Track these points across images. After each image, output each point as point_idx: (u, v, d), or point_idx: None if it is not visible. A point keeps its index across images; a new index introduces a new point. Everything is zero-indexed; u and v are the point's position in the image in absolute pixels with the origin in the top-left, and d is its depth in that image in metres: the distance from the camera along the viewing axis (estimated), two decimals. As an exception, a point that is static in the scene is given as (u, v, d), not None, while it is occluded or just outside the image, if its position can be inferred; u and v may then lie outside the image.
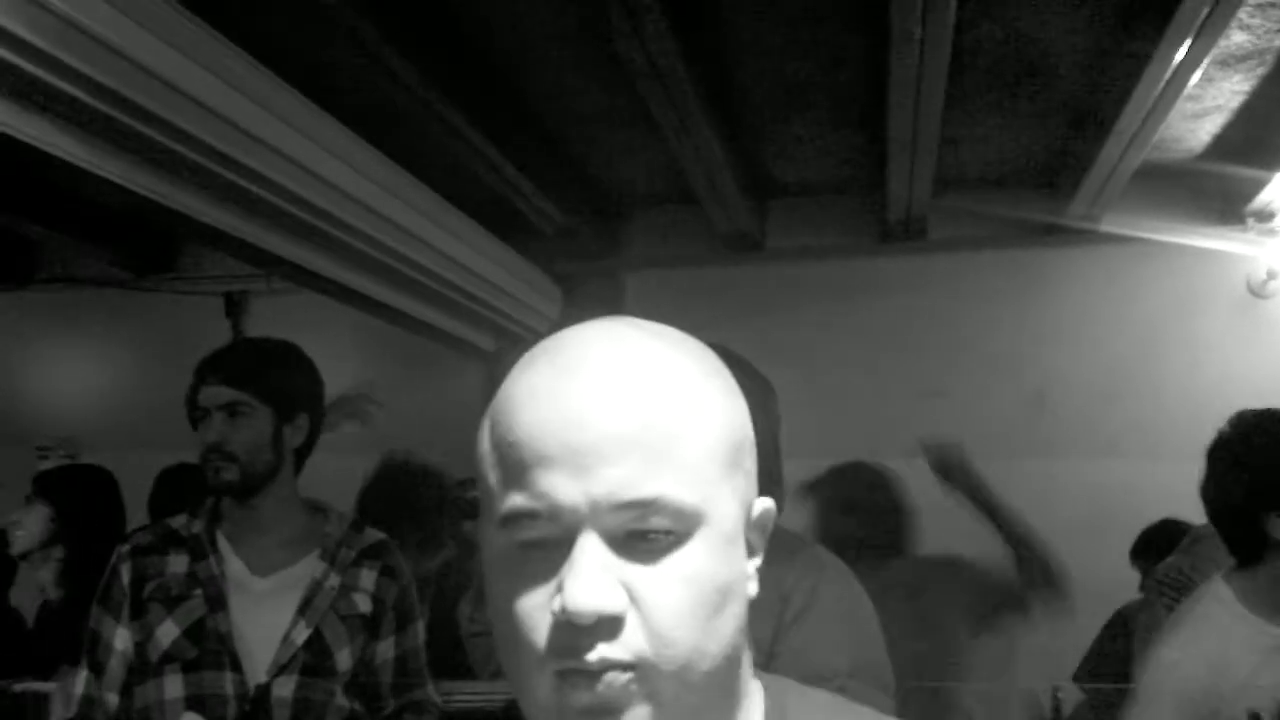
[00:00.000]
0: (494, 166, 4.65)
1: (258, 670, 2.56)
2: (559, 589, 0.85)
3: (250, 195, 3.83)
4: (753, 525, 0.95)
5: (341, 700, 2.62)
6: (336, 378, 3.37)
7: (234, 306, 5.87)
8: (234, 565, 2.65)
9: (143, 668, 2.57)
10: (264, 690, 2.54)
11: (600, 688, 0.84)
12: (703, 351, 0.96)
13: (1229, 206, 5.32)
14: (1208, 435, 4.75)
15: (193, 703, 2.52)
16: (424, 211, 4.70)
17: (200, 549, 2.64)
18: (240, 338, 4.24)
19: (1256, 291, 5.50)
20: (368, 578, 2.70)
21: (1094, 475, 5.20)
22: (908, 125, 4.15)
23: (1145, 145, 4.36)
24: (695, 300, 5.50)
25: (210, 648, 2.55)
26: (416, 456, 4.15)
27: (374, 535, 2.79)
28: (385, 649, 2.70)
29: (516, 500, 0.87)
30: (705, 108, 4.13)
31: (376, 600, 2.69)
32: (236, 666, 2.54)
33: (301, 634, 2.59)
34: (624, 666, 0.84)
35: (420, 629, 2.79)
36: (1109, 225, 5.23)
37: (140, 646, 2.57)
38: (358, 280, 4.80)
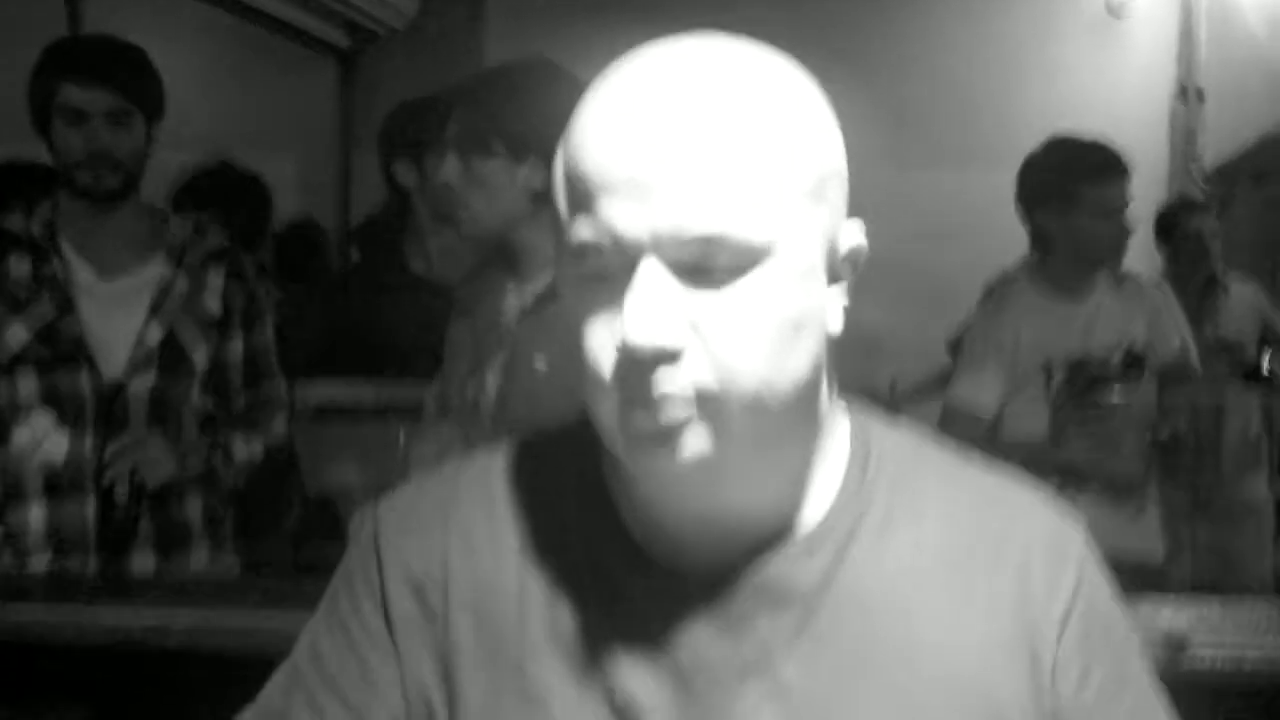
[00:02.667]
0: None
1: (113, 370, 2.55)
2: (622, 321, 0.82)
3: None
4: (841, 258, 0.90)
5: (197, 397, 2.65)
6: (180, 75, 3.22)
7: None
8: (80, 268, 2.59)
9: None
10: (120, 387, 2.54)
11: (662, 416, 0.83)
12: (793, 76, 0.89)
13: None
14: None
15: (47, 399, 2.51)
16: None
17: (43, 251, 2.57)
18: (91, 35, 3.96)
19: (1114, 12, 5.55)
20: (215, 280, 2.68)
21: (950, 186, 5.30)
22: None
23: None
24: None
25: (63, 350, 2.52)
26: (238, 160, 3.98)
27: (218, 239, 2.75)
28: (235, 348, 2.71)
29: (582, 231, 0.84)
30: None
31: (225, 302, 2.69)
32: (91, 365, 2.53)
33: (155, 335, 2.58)
34: (685, 396, 0.83)
35: (268, 327, 2.79)
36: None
37: None
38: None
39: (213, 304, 2.66)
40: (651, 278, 0.82)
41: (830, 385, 0.95)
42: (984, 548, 0.95)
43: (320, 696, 0.96)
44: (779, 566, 0.92)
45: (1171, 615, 1.85)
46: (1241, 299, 4.32)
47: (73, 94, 2.50)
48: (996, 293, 3.27)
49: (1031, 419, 3.05)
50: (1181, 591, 2.94)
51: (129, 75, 2.56)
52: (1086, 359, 3.05)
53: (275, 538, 3.16)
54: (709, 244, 0.81)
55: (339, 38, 5.71)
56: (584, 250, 0.84)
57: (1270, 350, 4.04)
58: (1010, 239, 4.61)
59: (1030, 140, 5.32)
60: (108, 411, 2.53)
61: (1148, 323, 3.16)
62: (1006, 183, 4.64)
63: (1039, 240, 3.21)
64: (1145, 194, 4.80)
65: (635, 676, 0.91)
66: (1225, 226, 4.74)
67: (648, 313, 0.81)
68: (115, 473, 2.47)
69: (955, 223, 5.08)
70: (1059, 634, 0.93)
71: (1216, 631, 1.80)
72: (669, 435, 0.83)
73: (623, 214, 0.82)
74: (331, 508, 2.86)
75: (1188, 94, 5.46)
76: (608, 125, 0.84)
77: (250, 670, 1.02)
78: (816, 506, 0.94)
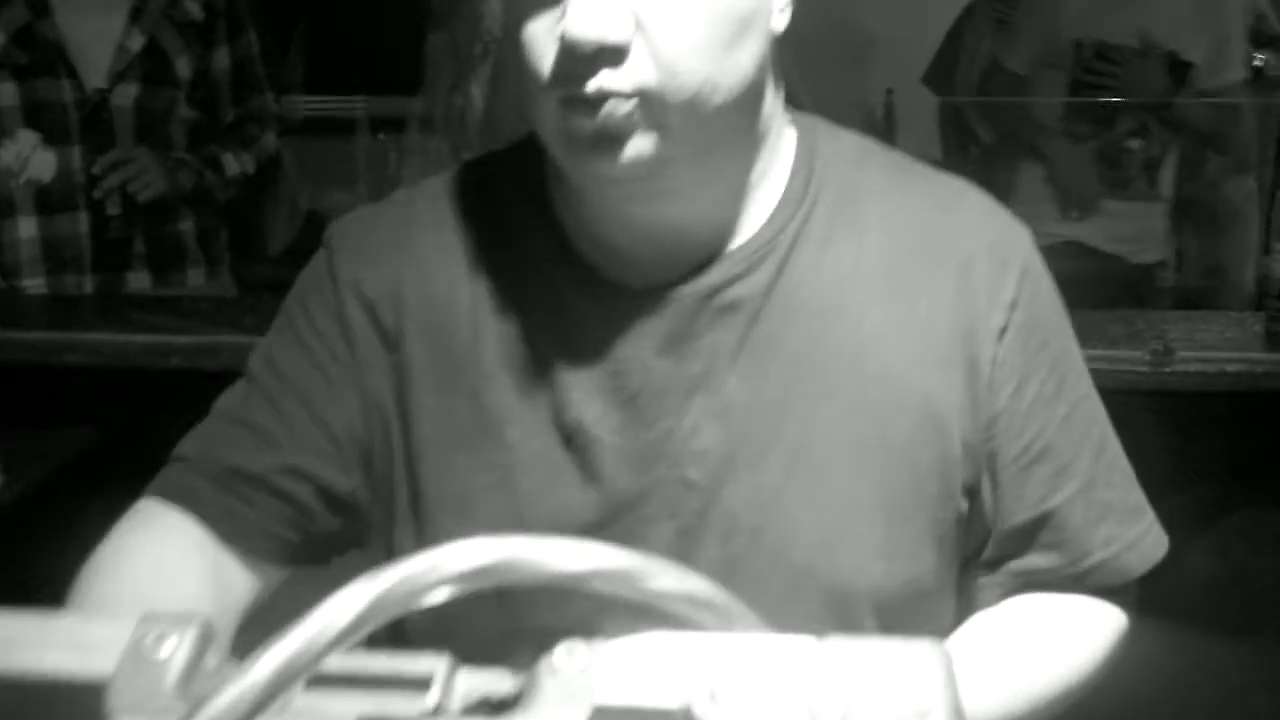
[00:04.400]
0: None
1: (95, 78, 2.49)
2: (564, 14, 0.80)
3: None
4: None
5: (184, 110, 2.60)
6: None
7: None
8: None
9: None
10: (103, 96, 2.49)
11: (602, 116, 0.82)
12: None
13: None
14: None
15: (30, 110, 2.46)
16: None
17: None
18: None
19: None
20: None
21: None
22: None
23: None
24: None
25: (41, 56, 2.45)
26: None
27: None
28: (220, 57, 2.65)
29: None
30: None
31: (209, 7, 2.61)
32: (72, 74, 2.47)
33: (136, 41, 2.51)
34: (626, 95, 0.81)
35: (253, 38, 2.72)
36: None
37: None
38: None
39: (194, 10, 2.58)
40: None
41: (776, 93, 0.94)
42: (927, 255, 0.95)
43: (282, 401, 0.98)
44: (722, 279, 0.93)
45: (1159, 327, 1.89)
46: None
47: None
48: None
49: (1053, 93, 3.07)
50: (1166, 296, 2.98)
51: None
52: (1119, 46, 2.99)
53: (270, 255, 3.16)
54: None
55: None
56: None
57: (1261, 52, 3.96)
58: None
59: None
60: (93, 123, 2.48)
61: (1206, 34, 3.05)
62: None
63: None
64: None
65: (585, 398, 0.93)
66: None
67: (593, 4, 0.79)
68: (106, 187, 2.45)
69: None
70: (997, 344, 0.95)
71: (1201, 343, 1.85)
72: (610, 138, 0.83)
73: None
74: (325, 222, 2.85)
75: None
76: None
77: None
78: (759, 217, 0.95)
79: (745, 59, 0.85)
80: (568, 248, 0.96)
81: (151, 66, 2.52)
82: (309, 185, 3.04)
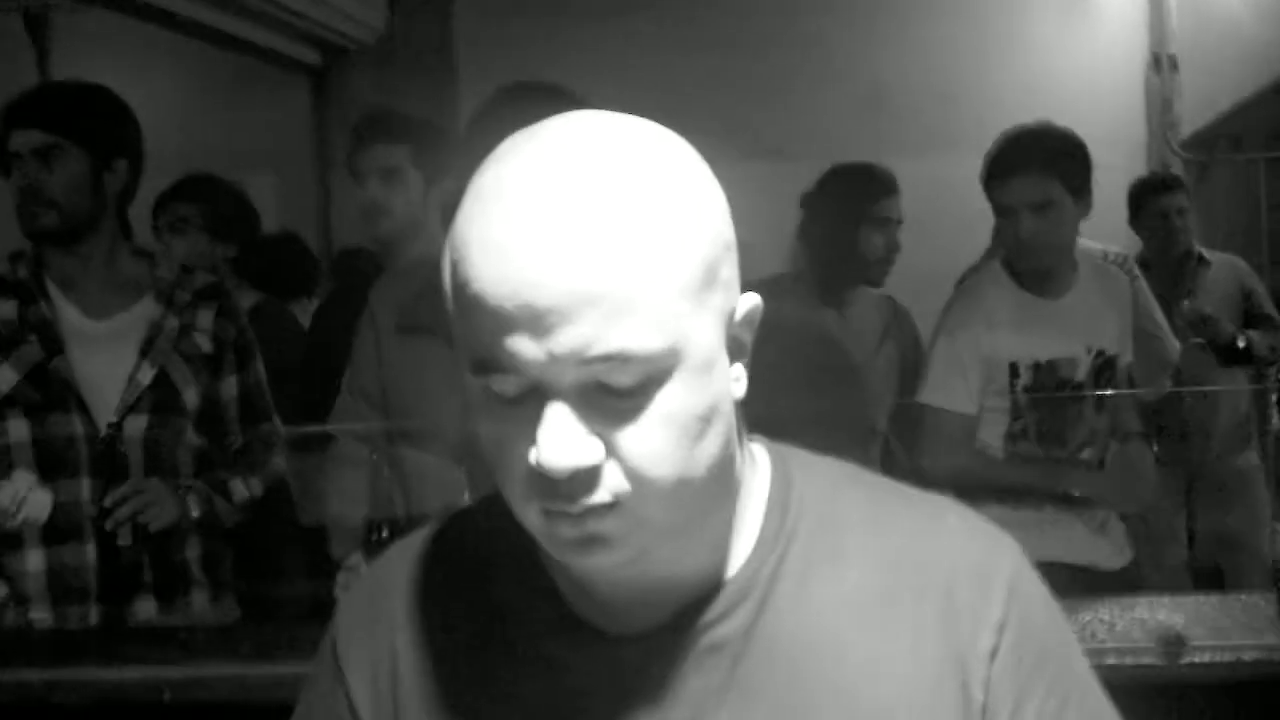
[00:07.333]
0: None
1: (105, 413, 2.55)
2: (534, 440, 0.82)
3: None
4: (738, 325, 0.90)
5: (192, 438, 2.65)
6: (152, 104, 3.21)
7: (35, 24, 5.47)
8: (67, 310, 2.60)
9: None
10: (115, 430, 2.54)
11: (587, 525, 0.85)
12: (671, 158, 0.87)
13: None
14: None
15: (41, 446, 2.51)
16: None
17: (29, 293, 2.58)
18: (49, 80, 3.95)
19: (1083, -17, 5.54)
20: (205, 318, 2.69)
21: (929, 172, 5.29)
22: None
23: None
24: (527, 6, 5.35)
25: (54, 392, 2.52)
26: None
27: (206, 277, 2.79)
28: (229, 387, 2.72)
29: (482, 354, 0.83)
30: None
31: (217, 340, 2.70)
32: (83, 409, 2.53)
33: (147, 375, 2.58)
34: (606, 506, 0.84)
35: (260, 366, 2.81)
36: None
37: None
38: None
39: (204, 342, 2.67)
40: (559, 401, 0.82)
41: (741, 441, 0.95)
42: (908, 583, 0.95)
43: None
44: (703, 622, 0.93)
45: (1168, 614, 1.85)
46: (1221, 270, 4.32)
47: (11, 138, 2.56)
48: (966, 285, 3.19)
49: (995, 420, 2.89)
50: (1179, 580, 2.92)
51: (61, 112, 2.58)
52: (1055, 360, 2.88)
53: (275, 575, 3.17)
54: (611, 361, 0.81)
55: (310, 55, 5.71)
56: (487, 370, 0.84)
57: (1247, 331, 4.04)
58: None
59: (1006, 120, 5.34)
60: (103, 456, 2.52)
61: (1125, 319, 3.00)
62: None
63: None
64: (1124, 165, 4.82)
65: None
66: (1205, 192, 4.74)
67: (561, 435, 0.82)
68: (118, 518, 2.46)
69: (935, 209, 5.07)
70: (988, 669, 0.93)
71: (1214, 630, 1.81)
72: (593, 540, 0.85)
73: (523, 344, 0.81)
74: (323, 539, 2.87)
75: (1161, 62, 5.47)
76: (495, 256, 0.82)
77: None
78: (738, 558, 0.96)
79: (712, 445, 0.87)
80: (552, 598, 0.97)
81: (160, 398, 2.59)
82: (310, 503, 3.07)
